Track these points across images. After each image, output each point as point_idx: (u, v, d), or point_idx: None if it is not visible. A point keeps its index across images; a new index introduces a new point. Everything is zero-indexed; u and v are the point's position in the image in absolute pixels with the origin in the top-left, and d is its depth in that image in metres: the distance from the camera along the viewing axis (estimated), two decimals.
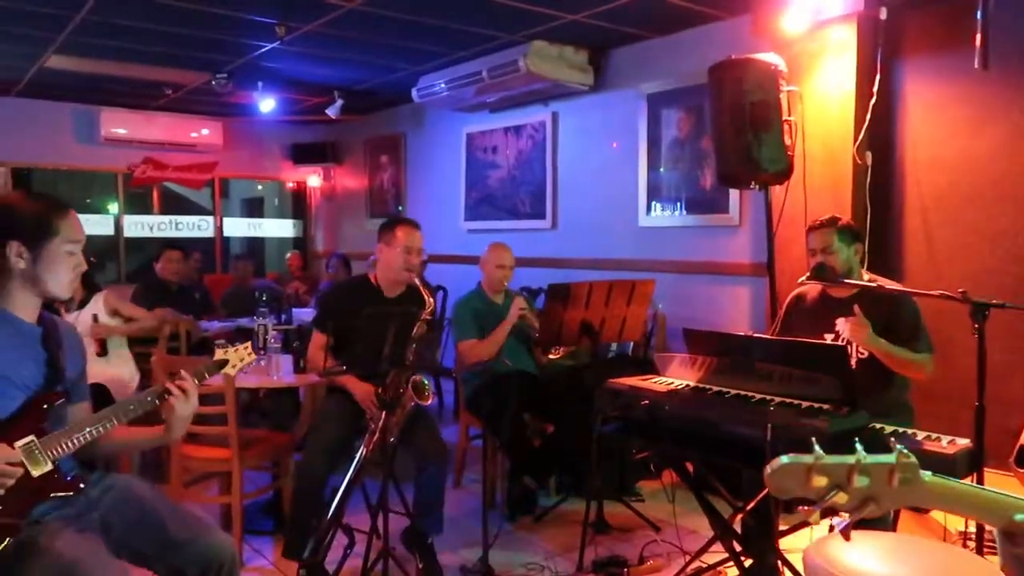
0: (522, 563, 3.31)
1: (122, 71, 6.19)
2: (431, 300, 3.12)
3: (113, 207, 8.22)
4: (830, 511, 1.07)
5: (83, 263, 2.02)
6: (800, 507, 1.08)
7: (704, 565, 2.96)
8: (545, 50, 5.31)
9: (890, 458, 1.08)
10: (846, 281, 2.93)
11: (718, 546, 2.80)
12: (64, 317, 3.98)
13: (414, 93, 6.24)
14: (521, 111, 6.34)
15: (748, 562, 2.68)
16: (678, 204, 5.18)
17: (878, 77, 4.00)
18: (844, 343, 2.87)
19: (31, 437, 1.84)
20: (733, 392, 2.45)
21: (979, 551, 2.56)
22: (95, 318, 4.21)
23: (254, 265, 7.23)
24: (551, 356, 4.24)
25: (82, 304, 4.22)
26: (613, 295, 3.47)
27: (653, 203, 5.34)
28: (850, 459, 1.07)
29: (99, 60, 5.85)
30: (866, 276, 3.06)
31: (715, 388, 2.51)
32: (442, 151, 7.34)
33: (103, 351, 4.25)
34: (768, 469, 1.06)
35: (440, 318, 6.20)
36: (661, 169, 5.27)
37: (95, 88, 6.88)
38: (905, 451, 1.08)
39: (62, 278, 1.97)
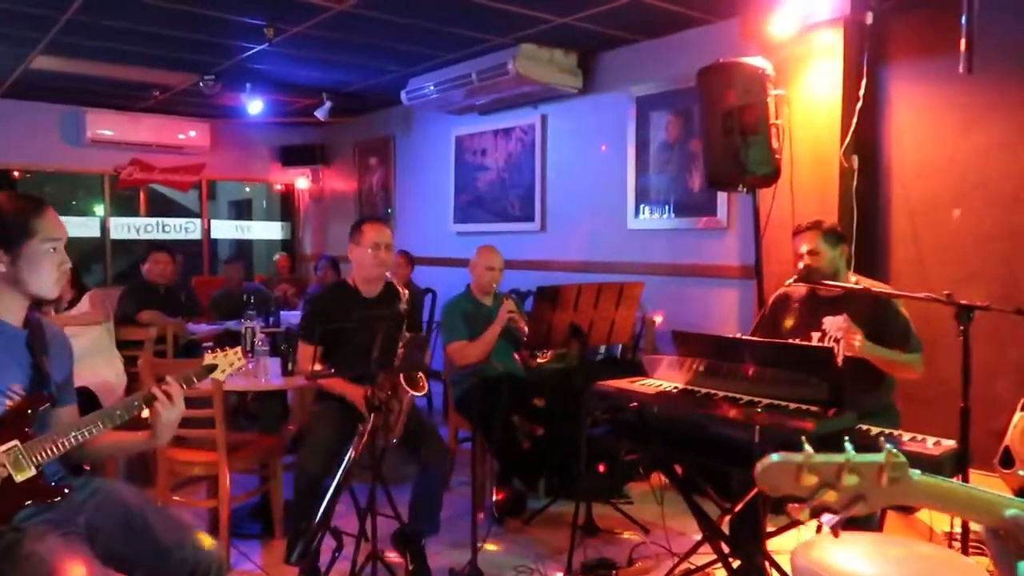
0: (511, 565, 3.30)
1: (109, 72, 6.16)
2: (405, 292, 3.13)
3: (99, 209, 8.17)
4: (819, 509, 1.08)
5: (67, 260, 1.99)
6: (790, 505, 1.08)
7: (692, 567, 2.97)
8: (534, 53, 5.32)
9: (879, 457, 1.08)
10: (833, 284, 2.96)
11: (706, 548, 2.81)
12: (53, 318, 3.96)
13: (403, 95, 6.24)
14: (510, 113, 6.35)
15: (736, 563, 2.69)
16: (666, 207, 5.20)
17: (864, 81, 4.03)
18: (831, 341, 2.89)
19: (14, 442, 1.82)
20: (721, 394, 2.46)
21: (964, 551, 2.58)
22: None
23: (244, 268, 7.19)
24: (539, 360, 4.24)
25: (71, 304, 4.19)
26: (602, 298, 3.48)
27: (642, 206, 5.35)
28: (839, 458, 1.08)
29: (86, 61, 5.81)
30: (853, 278, 3.09)
31: (703, 390, 2.52)
32: (431, 153, 7.34)
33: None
34: (758, 467, 1.07)
35: (429, 320, 6.19)
36: (650, 172, 5.29)
37: (81, 89, 6.84)
38: (894, 450, 1.09)
39: (45, 278, 1.94)
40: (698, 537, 2.88)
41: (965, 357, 2.43)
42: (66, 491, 1.92)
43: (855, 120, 4.02)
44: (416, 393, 2.99)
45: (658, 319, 4.98)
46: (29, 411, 1.89)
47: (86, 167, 7.85)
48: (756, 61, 3.82)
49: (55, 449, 1.87)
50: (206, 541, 2.06)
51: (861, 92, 4.02)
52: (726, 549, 2.71)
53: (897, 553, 2.00)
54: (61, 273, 1.98)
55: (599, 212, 5.66)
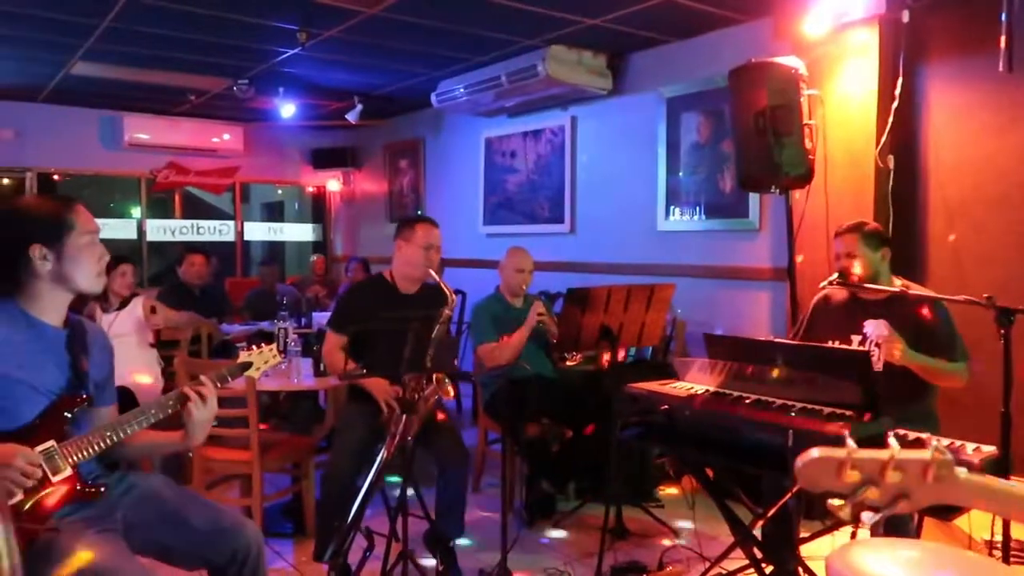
0: (541, 567, 3.30)
1: (146, 77, 6.28)
2: (454, 296, 3.14)
3: (136, 211, 8.32)
4: (861, 506, 1.05)
5: (106, 253, 2.04)
6: (830, 502, 1.05)
7: (724, 571, 2.94)
8: (564, 55, 5.31)
9: (925, 454, 1.05)
10: (872, 287, 2.91)
11: (738, 552, 2.78)
12: (101, 318, 4.04)
13: (433, 98, 6.27)
14: (540, 115, 6.34)
15: (769, 569, 2.66)
16: (697, 208, 5.16)
17: (900, 80, 3.96)
18: (872, 345, 2.85)
19: (51, 442, 1.85)
20: (753, 397, 2.44)
21: (1005, 559, 2.52)
22: (153, 309, 4.38)
23: (279, 270, 7.28)
24: (568, 363, 4.23)
25: (122, 305, 4.28)
26: (632, 300, 3.46)
27: (672, 207, 5.32)
28: (884, 454, 1.04)
29: (123, 66, 5.93)
30: (898, 282, 3.03)
31: (735, 393, 2.49)
32: (461, 156, 7.36)
33: (157, 342, 4.44)
34: (799, 461, 1.04)
35: (459, 322, 6.21)
36: (680, 173, 5.25)
37: (119, 94, 6.98)
38: (940, 447, 1.06)
39: (89, 270, 1.98)
40: (730, 541, 2.85)
41: (1006, 361, 2.38)
42: (102, 489, 1.96)
43: (891, 120, 3.95)
44: (443, 396, 3.00)
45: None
46: (66, 412, 1.93)
47: (123, 170, 8.00)
48: (789, 61, 3.78)
49: (91, 449, 1.90)
50: (244, 524, 2.08)
51: (897, 91, 3.95)
52: (759, 554, 2.68)
53: (935, 560, 1.96)
54: (102, 265, 2.03)
55: (629, 214, 5.63)
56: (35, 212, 1.97)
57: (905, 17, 3.95)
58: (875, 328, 2.79)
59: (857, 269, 2.95)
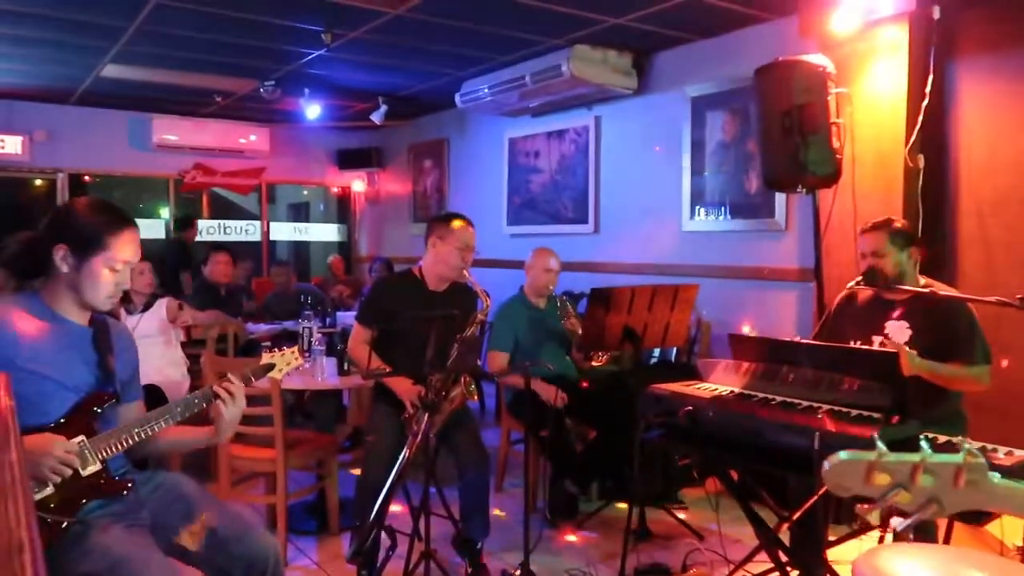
0: (564, 568, 3.29)
1: (174, 79, 6.36)
2: (488, 300, 3.12)
3: (165, 212, 8.44)
4: (890, 511, 1.03)
5: (127, 281, 2.03)
6: (859, 505, 1.04)
7: (749, 575, 2.91)
8: (588, 54, 5.30)
9: (957, 458, 1.03)
10: (897, 287, 2.86)
11: (763, 556, 2.75)
12: (126, 319, 4.10)
13: (457, 98, 6.28)
14: (564, 115, 6.33)
15: (794, 573, 2.63)
16: (723, 208, 5.12)
17: (931, 78, 3.89)
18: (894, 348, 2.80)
19: (81, 437, 1.88)
20: (779, 399, 2.41)
21: None
22: (180, 307, 4.45)
23: (295, 269, 7.29)
24: (593, 363, 4.20)
25: (146, 307, 4.33)
26: (656, 300, 3.44)
27: (697, 207, 5.28)
28: (915, 457, 1.02)
29: (152, 69, 6.02)
30: (922, 281, 2.98)
31: (760, 394, 2.47)
32: (485, 156, 7.37)
33: (189, 339, 4.53)
34: (826, 464, 1.02)
35: (482, 322, 6.20)
36: (705, 173, 5.21)
37: (148, 96, 7.08)
38: (974, 451, 1.04)
39: (100, 292, 1.98)
40: (755, 544, 2.82)
41: None
42: (130, 485, 1.98)
43: (921, 118, 3.88)
44: (469, 399, 3.01)
45: None
46: (95, 408, 1.96)
47: (152, 171, 8.12)
48: (816, 59, 3.74)
49: (120, 445, 1.93)
50: (264, 536, 2.10)
51: (927, 89, 3.88)
52: (784, 558, 2.65)
53: (965, 566, 1.92)
54: (117, 291, 2.02)
55: (653, 214, 5.60)
56: (79, 217, 1.98)
57: (936, 13, 3.89)
58: (897, 328, 2.75)
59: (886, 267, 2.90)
